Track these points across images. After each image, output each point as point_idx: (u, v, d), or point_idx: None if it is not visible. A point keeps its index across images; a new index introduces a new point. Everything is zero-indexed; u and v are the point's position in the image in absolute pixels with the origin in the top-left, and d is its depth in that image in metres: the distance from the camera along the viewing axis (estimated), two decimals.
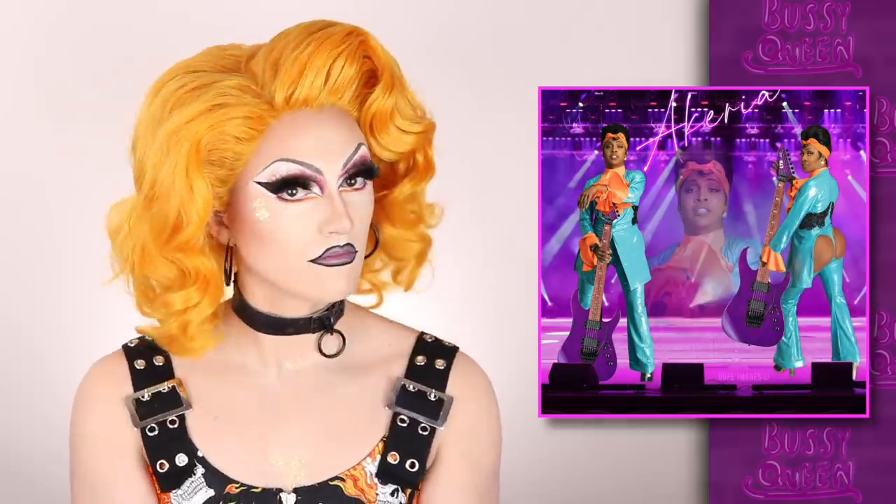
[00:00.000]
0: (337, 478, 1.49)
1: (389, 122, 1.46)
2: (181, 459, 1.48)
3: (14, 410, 2.79)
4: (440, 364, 1.54)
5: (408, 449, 1.50)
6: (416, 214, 1.54)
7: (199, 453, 1.48)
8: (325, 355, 1.50)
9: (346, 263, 1.42)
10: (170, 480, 1.48)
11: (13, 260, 2.81)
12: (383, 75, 1.44)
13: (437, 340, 1.57)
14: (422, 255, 1.57)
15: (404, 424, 1.50)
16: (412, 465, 1.50)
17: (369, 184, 1.46)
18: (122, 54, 2.76)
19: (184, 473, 1.48)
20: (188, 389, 1.50)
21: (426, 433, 1.51)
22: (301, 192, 1.41)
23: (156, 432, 1.49)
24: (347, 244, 1.42)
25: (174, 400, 1.49)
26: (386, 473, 1.49)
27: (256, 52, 1.45)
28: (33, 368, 2.79)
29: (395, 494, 1.50)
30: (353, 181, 1.43)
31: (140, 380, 1.50)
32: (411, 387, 1.51)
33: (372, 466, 1.49)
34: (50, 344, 2.78)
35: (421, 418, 1.51)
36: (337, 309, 1.51)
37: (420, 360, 1.54)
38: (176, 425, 1.49)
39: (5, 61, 2.80)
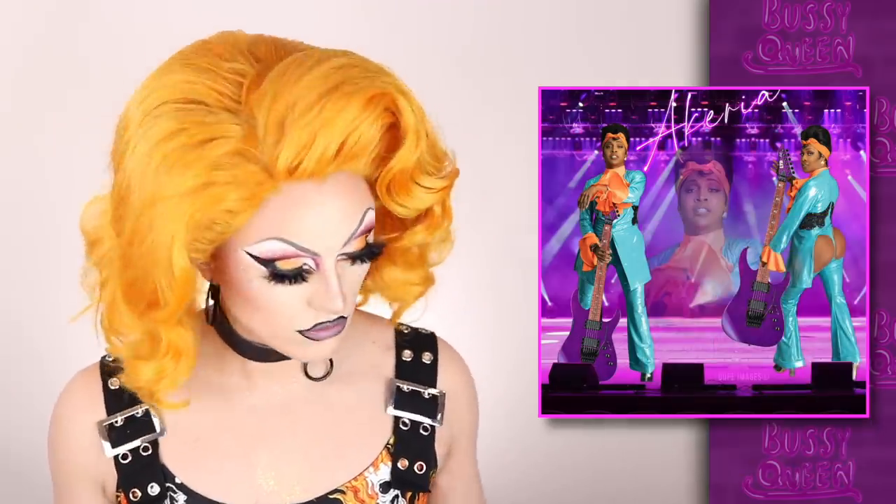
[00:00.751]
0: (337, 490, 1.44)
1: (410, 183, 1.31)
2: (153, 489, 1.42)
3: (14, 410, 2.79)
4: (427, 358, 1.51)
5: (414, 452, 1.47)
6: (422, 254, 1.44)
7: (178, 479, 1.42)
8: (311, 378, 1.45)
9: (335, 335, 1.33)
10: None
11: (13, 260, 2.81)
12: (407, 136, 1.28)
13: (413, 330, 1.53)
14: (420, 296, 1.47)
15: (407, 428, 1.47)
16: (420, 468, 1.47)
17: None
18: (122, 53, 2.76)
19: (155, 502, 1.42)
20: (164, 412, 1.43)
21: (427, 433, 1.48)
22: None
23: (129, 460, 1.43)
24: (340, 318, 1.32)
25: (148, 425, 1.43)
26: (399, 481, 1.46)
27: (262, 77, 1.25)
28: (33, 368, 2.79)
29: (396, 501, 1.46)
30: (354, 262, 1.31)
31: (113, 402, 1.44)
32: (405, 387, 1.48)
33: (374, 476, 1.45)
34: (50, 344, 2.78)
35: (421, 419, 1.48)
36: None
37: (407, 355, 1.50)
38: (149, 452, 1.43)
39: (4, 60, 2.80)
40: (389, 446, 1.47)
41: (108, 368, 1.46)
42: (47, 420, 1.49)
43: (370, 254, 1.31)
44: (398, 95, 1.25)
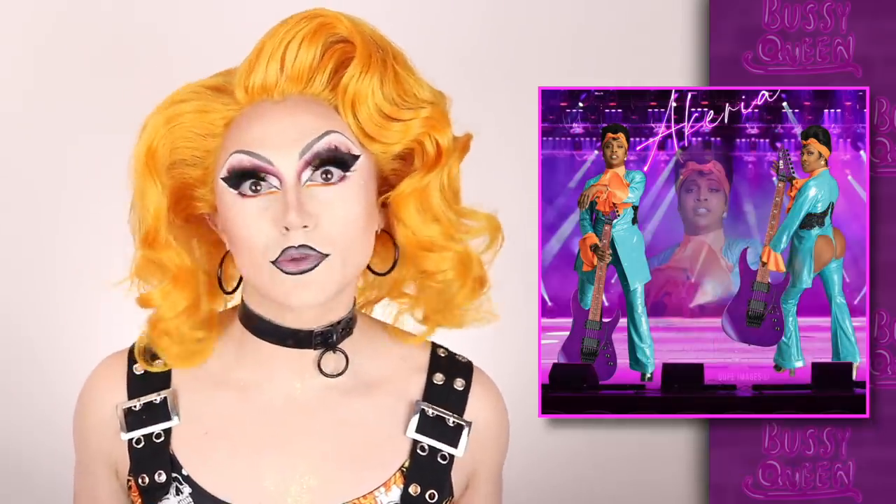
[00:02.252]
0: None
1: (371, 108, 1.36)
2: (160, 476, 1.42)
3: (14, 410, 2.79)
4: (459, 385, 1.47)
5: (428, 480, 1.43)
6: (444, 220, 1.42)
7: (184, 471, 1.42)
8: (325, 374, 1.43)
9: (306, 271, 1.33)
10: (149, 495, 1.43)
11: (12, 260, 2.81)
12: (357, 54, 1.35)
13: (450, 355, 1.50)
14: (462, 274, 1.44)
15: (424, 453, 1.43)
16: (432, 497, 1.43)
17: (352, 178, 1.36)
18: (121, 54, 2.76)
19: (161, 489, 1.42)
20: (182, 401, 1.44)
21: (445, 462, 1.44)
22: (264, 187, 1.34)
23: (142, 445, 1.43)
24: (304, 246, 1.33)
25: (164, 413, 1.43)
26: None
27: None
28: (33, 368, 2.79)
29: None
30: (327, 175, 1.35)
31: (135, 387, 1.45)
32: (430, 411, 1.44)
33: (385, 497, 1.42)
34: (50, 344, 2.78)
35: (441, 446, 1.44)
36: (344, 326, 1.43)
37: (438, 378, 1.47)
38: (161, 439, 1.43)
39: (10, 59, 2.80)
40: (404, 469, 1.43)
41: (135, 354, 1.47)
42: (47, 420, 1.49)
43: (336, 161, 1.35)
44: (336, 18, 1.36)
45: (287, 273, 1.33)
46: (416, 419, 1.44)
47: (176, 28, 2.76)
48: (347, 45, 1.37)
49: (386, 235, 1.45)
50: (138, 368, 1.46)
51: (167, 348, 1.43)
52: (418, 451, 1.43)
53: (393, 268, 1.45)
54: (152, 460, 1.43)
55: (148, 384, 1.45)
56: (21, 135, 2.80)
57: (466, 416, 1.46)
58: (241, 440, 1.42)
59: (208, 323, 1.45)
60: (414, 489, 1.42)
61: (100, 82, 2.75)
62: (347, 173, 1.35)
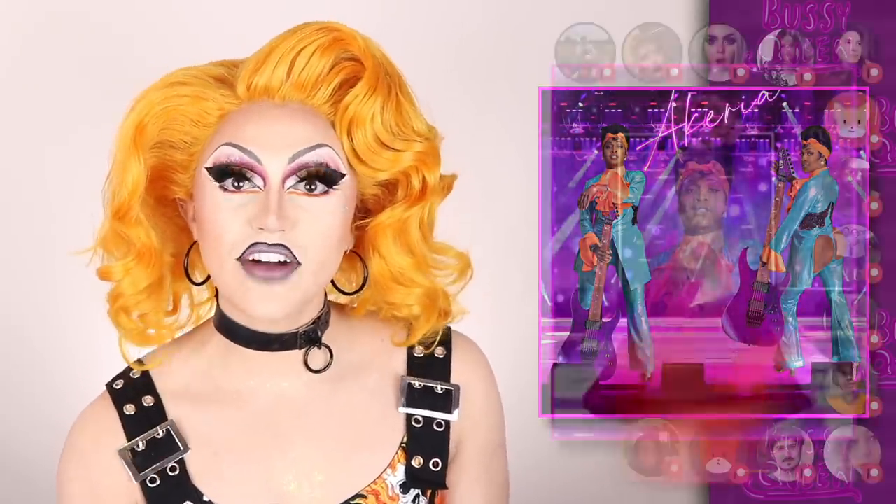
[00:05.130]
0: (358, 496, 1.42)
1: (367, 131, 1.37)
2: None
3: (14, 410, 2.79)
4: (440, 352, 1.49)
5: (429, 449, 1.45)
6: (418, 254, 1.43)
7: (206, 497, 1.40)
8: (311, 371, 1.43)
9: (275, 280, 1.33)
10: None
11: (13, 260, 2.81)
12: (366, 75, 1.36)
13: None
14: (428, 308, 1.46)
15: (419, 425, 1.45)
16: (436, 465, 1.45)
17: (335, 194, 1.36)
18: (120, 54, 2.76)
19: None
20: (183, 428, 1.42)
21: (441, 429, 1.46)
22: (246, 185, 1.34)
23: (157, 483, 1.41)
24: (278, 245, 1.33)
25: (171, 444, 1.41)
26: (415, 480, 1.44)
27: None
28: (33, 368, 2.79)
29: (417, 500, 1.45)
30: (311, 187, 1.35)
31: (132, 427, 1.42)
32: (417, 384, 1.46)
33: (393, 478, 1.43)
34: (50, 344, 2.78)
35: (434, 415, 1.45)
36: (323, 321, 1.44)
37: (418, 351, 1.49)
38: (177, 472, 1.41)
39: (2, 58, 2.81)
40: (404, 444, 1.45)
41: (118, 396, 1.44)
42: (48, 420, 1.47)
43: (322, 175, 1.35)
44: (352, 35, 1.36)
45: (252, 276, 1.34)
46: (404, 394, 1.45)
47: (176, 27, 2.76)
48: (357, 64, 1.37)
49: (354, 256, 1.46)
50: (129, 409, 1.43)
51: (125, 324, 1.43)
52: (413, 423, 1.45)
53: (360, 289, 1.46)
54: (175, 495, 1.40)
55: (144, 421, 1.43)
56: (19, 133, 2.80)
57: (453, 381, 1.48)
58: (249, 451, 1.42)
59: (171, 304, 1.45)
60: (417, 462, 1.44)
61: (101, 81, 2.75)
62: (331, 189, 1.36)
